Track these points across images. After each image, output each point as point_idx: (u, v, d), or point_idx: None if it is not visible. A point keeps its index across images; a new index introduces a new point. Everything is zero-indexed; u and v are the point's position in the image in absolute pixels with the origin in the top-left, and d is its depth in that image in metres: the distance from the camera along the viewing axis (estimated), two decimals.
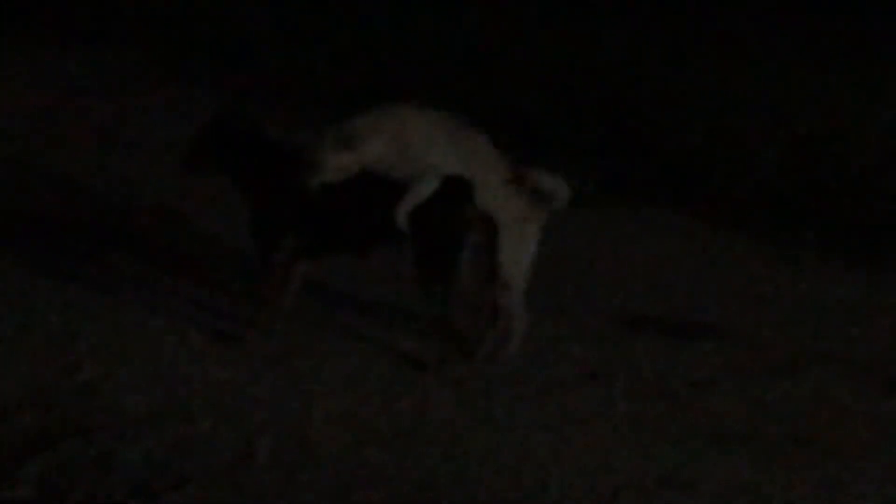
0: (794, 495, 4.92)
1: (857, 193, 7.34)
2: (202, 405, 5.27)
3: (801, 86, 8.11)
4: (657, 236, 7.19)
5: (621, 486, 4.89)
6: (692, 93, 8.14)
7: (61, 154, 7.83)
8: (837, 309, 6.44)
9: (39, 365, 5.52)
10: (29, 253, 6.47)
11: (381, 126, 5.46)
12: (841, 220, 7.21)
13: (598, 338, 5.99)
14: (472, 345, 5.71)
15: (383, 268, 6.21)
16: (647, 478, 4.96)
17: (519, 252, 5.64)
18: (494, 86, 8.47)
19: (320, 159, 5.41)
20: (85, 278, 6.22)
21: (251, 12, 9.90)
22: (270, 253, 5.66)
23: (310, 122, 7.68)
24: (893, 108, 7.92)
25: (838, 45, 8.51)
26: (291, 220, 5.64)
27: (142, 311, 5.94)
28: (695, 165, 7.70)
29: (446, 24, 9.31)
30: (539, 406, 5.41)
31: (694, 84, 8.22)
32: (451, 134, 5.55)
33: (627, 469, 5.00)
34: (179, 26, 9.91)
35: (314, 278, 6.03)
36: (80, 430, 5.07)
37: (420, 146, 5.45)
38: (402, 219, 5.40)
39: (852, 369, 5.83)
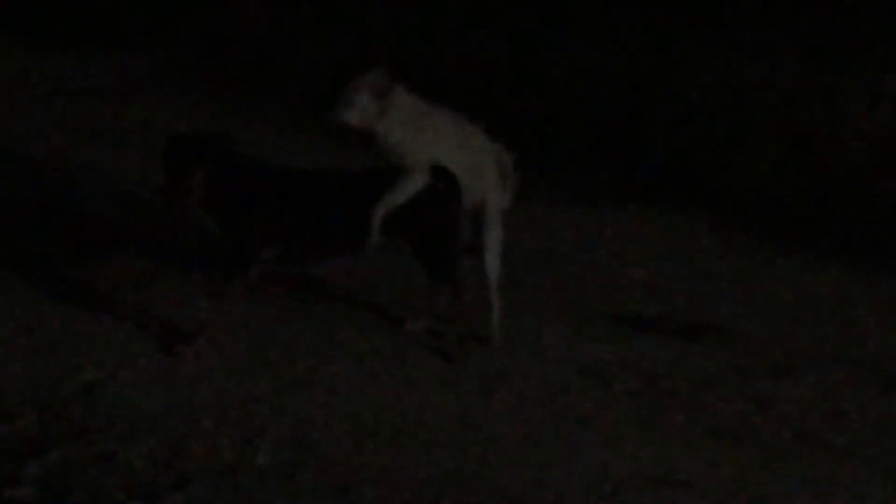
0: (793, 493, 4.93)
1: (856, 193, 7.34)
2: (203, 406, 5.29)
3: (799, 86, 8.11)
4: (658, 236, 7.20)
5: (620, 483, 4.90)
6: (691, 94, 8.15)
7: (67, 156, 7.84)
8: (836, 308, 6.44)
9: (40, 367, 5.53)
10: (30, 255, 6.48)
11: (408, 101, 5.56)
12: (840, 220, 7.22)
13: (598, 337, 6.00)
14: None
15: (381, 270, 6.24)
16: (647, 475, 4.97)
17: (498, 238, 5.76)
18: (495, 90, 8.49)
19: (354, 98, 5.49)
20: (85, 280, 6.24)
21: (255, 16, 9.93)
22: (244, 264, 5.68)
23: (311, 125, 7.71)
24: (891, 107, 7.92)
25: (836, 45, 8.51)
26: (269, 232, 5.65)
27: (142, 312, 5.95)
28: (695, 166, 7.71)
29: (450, 30, 9.32)
30: (539, 404, 5.42)
31: (693, 85, 8.22)
32: (459, 128, 5.65)
33: (627, 466, 5.01)
34: (187, 32, 9.96)
35: (314, 279, 6.05)
36: (81, 431, 5.09)
37: (430, 136, 5.55)
38: (377, 220, 5.49)
39: (851, 368, 5.84)
